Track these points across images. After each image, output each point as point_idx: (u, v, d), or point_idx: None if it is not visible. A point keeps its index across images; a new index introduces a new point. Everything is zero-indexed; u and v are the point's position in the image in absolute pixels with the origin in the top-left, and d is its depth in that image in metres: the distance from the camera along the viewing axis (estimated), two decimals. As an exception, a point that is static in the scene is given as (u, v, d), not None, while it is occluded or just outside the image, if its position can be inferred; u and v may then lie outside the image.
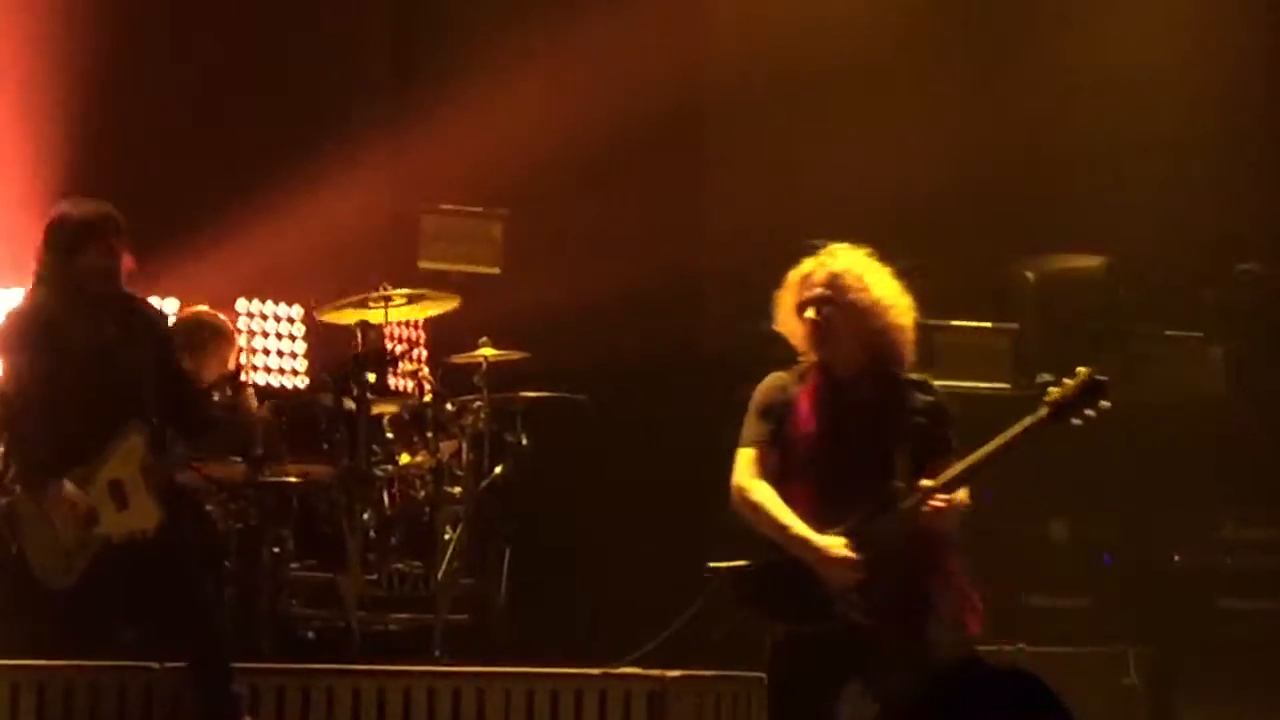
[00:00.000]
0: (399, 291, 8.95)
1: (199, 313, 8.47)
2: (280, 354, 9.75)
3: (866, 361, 6.13)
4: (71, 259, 7.03)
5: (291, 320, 9.80)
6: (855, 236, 8.46)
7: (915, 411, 6.17)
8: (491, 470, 8.97)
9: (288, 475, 8.44)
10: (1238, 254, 11.15)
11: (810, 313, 6.08)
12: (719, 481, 7.96)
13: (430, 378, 9.04)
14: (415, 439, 8.90)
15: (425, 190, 10.47)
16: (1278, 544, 10.44)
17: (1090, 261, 11.09)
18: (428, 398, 9.00)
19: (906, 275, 7.76)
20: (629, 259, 10.19)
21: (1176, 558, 10.32)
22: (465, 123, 10.33)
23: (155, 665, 7.42)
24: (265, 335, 9.81)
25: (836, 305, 6.08)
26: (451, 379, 9.28)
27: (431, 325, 9.72)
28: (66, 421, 6.94)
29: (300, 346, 9.83)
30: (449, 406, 9.00)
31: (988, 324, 10.51)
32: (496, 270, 10.10)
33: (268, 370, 9.74)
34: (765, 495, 6.16)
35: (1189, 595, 10.24)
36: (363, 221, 10.38)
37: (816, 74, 11.01)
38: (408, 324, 9.67)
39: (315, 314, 9.36)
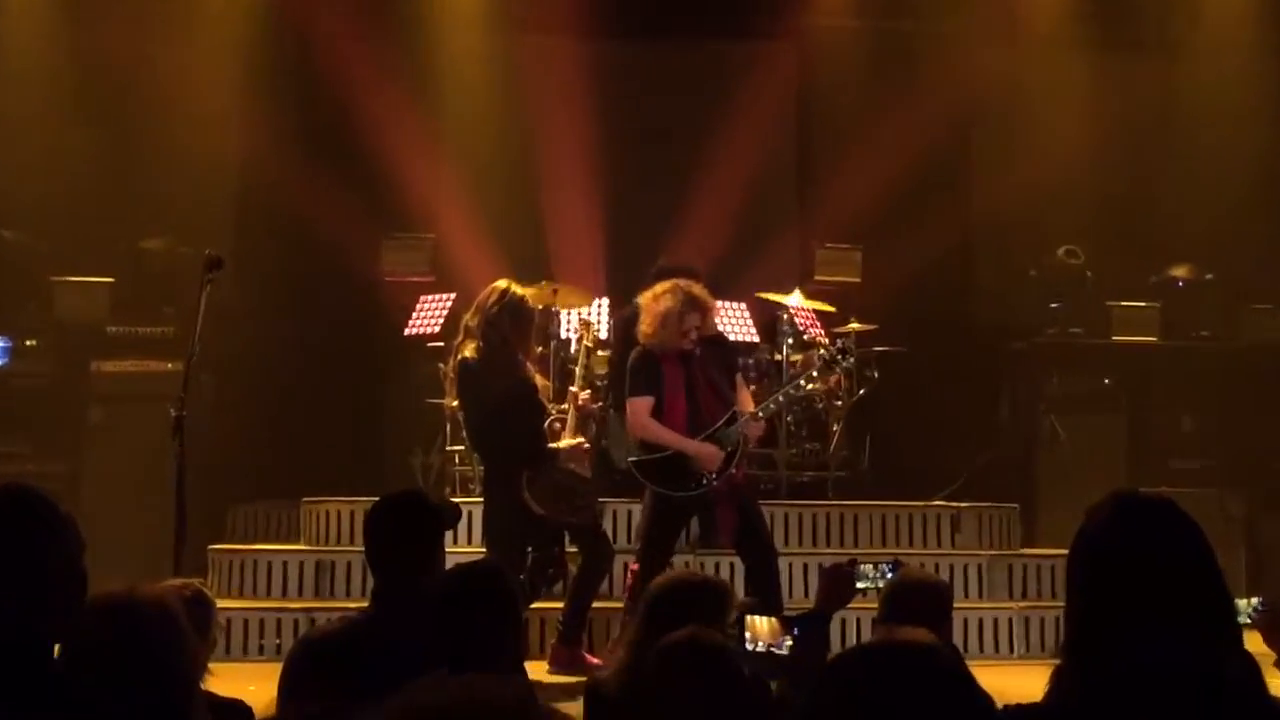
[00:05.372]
0: (809, 302, 9.33)
1: None
2: (741, 328, 9.28)
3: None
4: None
5: (741, 309, 9.35)
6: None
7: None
8: (859, 392, 9.34)
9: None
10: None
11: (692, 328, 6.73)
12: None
13: (825, 340, 9.01)
14: (815, 374, 8.90)
15: (818, 230, 10.49)
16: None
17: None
18: (821, 350, 9.10)
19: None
20: (934, 266, 10.23)
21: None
22: (844, 175, 10.38)
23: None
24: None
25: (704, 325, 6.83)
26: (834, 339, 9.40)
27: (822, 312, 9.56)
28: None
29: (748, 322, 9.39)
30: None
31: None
32: (858, 279, 10.12)
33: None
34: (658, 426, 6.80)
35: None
36: (781, 250, 10.57)
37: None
38: (807, 310, 9.45)
39: (757, 294, 9.36)
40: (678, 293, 6.82)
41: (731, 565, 7.47)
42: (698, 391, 6.87)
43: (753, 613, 3.85)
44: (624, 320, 8.06)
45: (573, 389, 7.22)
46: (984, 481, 9.36)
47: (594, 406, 7.35)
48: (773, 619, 3.84)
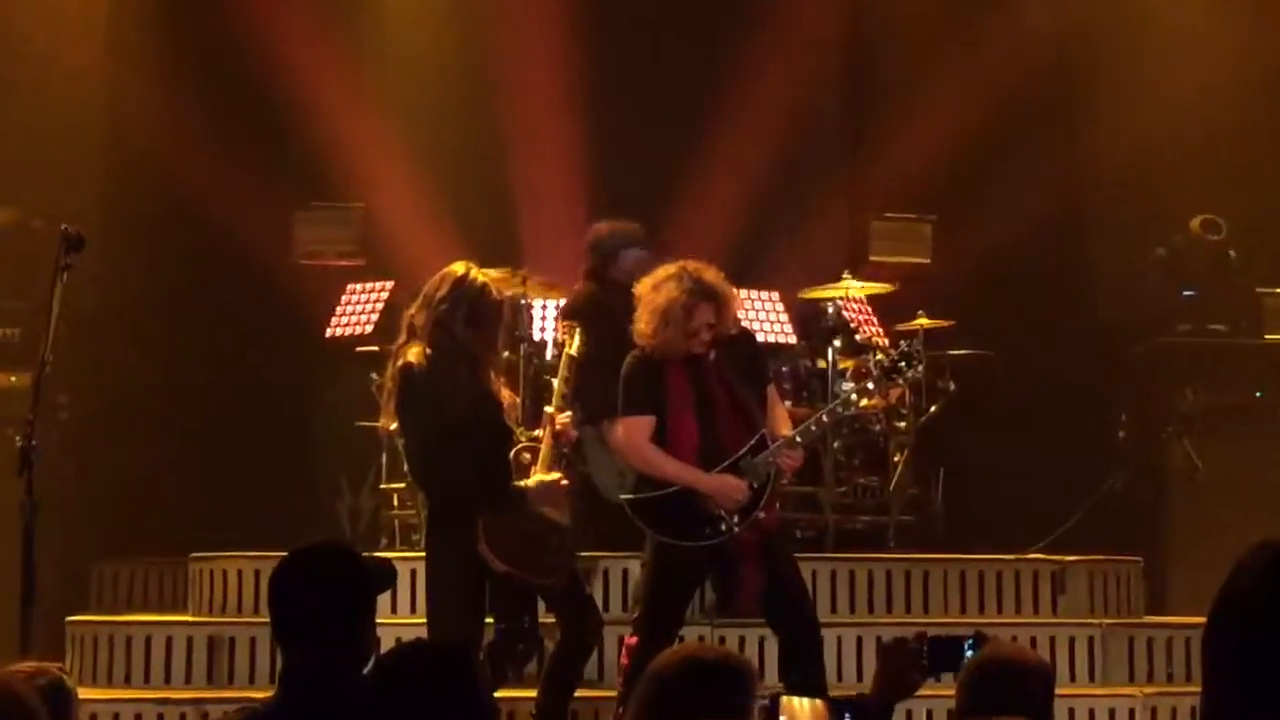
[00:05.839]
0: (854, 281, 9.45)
1: None
2: (772, 326, 9.57)
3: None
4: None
5: (773, 301, 9.65)
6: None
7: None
8: (928, 409, 9.46)
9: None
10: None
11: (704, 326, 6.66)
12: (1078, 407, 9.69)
13: (883, 340, 9.43)
14: (871, 385, 8.72)
15: (874, 200, 10.69)
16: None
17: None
18: (879, 356, 8.92)
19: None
20: (1028, 243, 10.32)
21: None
22: (901, 142, 10.55)
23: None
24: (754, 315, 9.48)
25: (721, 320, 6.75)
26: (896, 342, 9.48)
27: (879, 301, 9.81)
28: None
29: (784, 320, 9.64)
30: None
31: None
32: (927, 260, 10.34)
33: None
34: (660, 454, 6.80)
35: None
36: (827, 225, 10.78)
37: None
38: (859, 300, 9.66)
39: (799, 294, 9.65)
40: (683, 279, 6.76)
41: (761, 640, 7.52)
42: (713, 407, 6.85)
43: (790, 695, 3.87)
44: (588, 299, 8.17)
45: (549, 410, 7.13)
46: (1096, 527, 9.35)
47: (575, 434, 7.33)
48: (816, 701, 3.84)
